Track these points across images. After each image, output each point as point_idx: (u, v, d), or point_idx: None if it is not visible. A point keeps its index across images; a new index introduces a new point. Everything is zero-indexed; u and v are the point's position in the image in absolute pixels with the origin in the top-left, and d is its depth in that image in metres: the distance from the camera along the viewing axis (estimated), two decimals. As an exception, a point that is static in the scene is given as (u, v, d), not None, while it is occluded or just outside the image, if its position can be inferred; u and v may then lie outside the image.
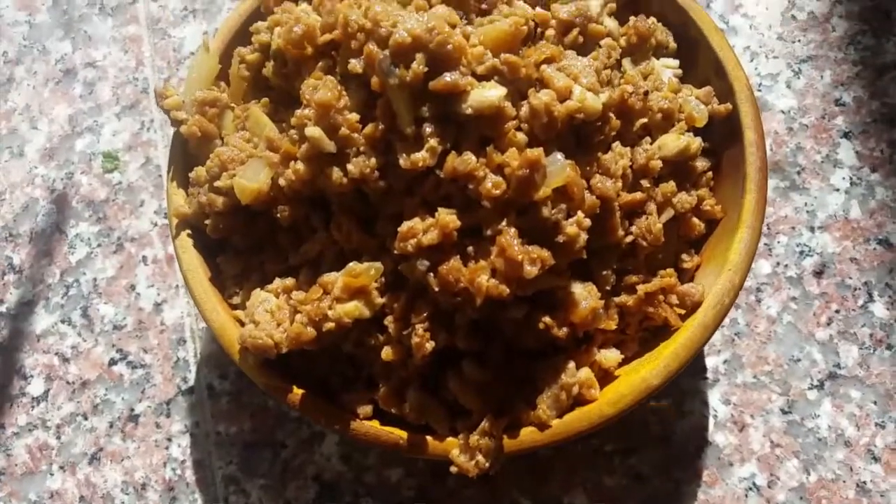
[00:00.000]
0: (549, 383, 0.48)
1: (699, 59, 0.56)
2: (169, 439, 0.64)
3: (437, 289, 0.44)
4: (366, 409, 0.49)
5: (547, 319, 0.46)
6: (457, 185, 0.45)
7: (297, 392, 0.49)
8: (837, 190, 0.65)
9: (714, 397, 0.61)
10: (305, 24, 0.47)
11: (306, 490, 0.61)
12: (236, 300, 0.53)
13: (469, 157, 0.43)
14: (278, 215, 0.49)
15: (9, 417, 0.66)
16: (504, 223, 0.44)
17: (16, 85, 0.76)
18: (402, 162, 0.43)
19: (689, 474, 0.59)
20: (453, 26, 0.44)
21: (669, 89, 0.53)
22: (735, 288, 0.49)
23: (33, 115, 0.75)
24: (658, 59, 0.56)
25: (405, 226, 0.44)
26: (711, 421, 0.60)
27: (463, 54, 0.43)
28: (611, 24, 0.53)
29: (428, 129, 0.43)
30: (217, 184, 0.50)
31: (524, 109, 0.45)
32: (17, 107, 0.75)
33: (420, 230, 0.44)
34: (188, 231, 0.54)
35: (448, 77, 0.43)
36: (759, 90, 0.68)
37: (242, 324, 0.51)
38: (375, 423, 0.49)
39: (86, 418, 0.65)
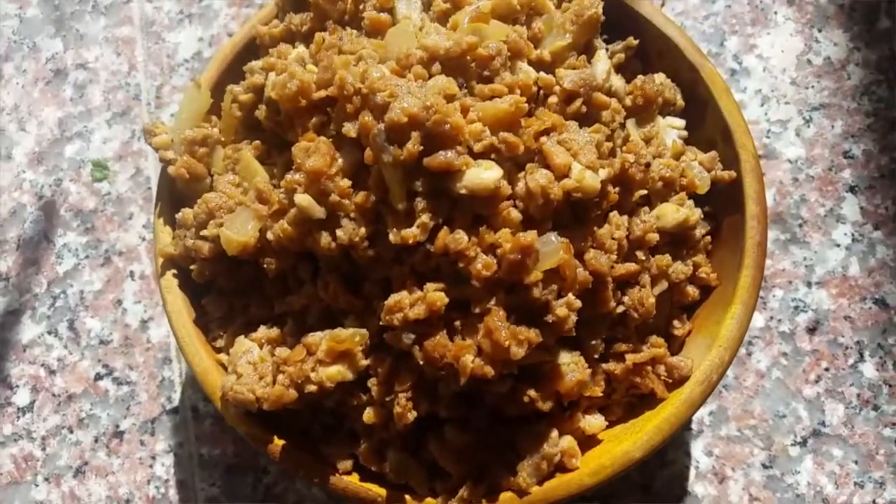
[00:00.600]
0: (530, 451, 0.48)
1: (707, 119, 0.54)
2: (153, 457, 0.64)
3: (421, 362, 0.44)
4: (346, 464, 0.49)
5: (532, 393, 0.46)
6: (447, 260, 0.44)
7: (278, 443, 0.49)
8: (838, 245, 0.64)
9: (697, 448, 0.61)
10: (300, 81, 0.45)
11: (287, 518, 0.62)
12: (220, 343, 0.53)
13: (461, 237, 0.42)
14: (265, 266, 0.49)
15: (-7, 427, 0.66)
16: (493, 302, 0.43)
17: (4, 82, 0.74)
18: (391, 237, 0.42)
19: (666, 525, 0.60)
20: (451, 98, 0.43)
21: (672, 153, 0.52)
22: (724, 364, 0.49)
23: (22, 117, 0.73)
24: (664, 116, 0.54)
25: (392, 299, 0.43)
26: (693, 471, 0.61)
27: (460, 132, 0.41)
28: (617, 83, 0.52)
29: (420, 204, 0.42)
30: (203, 232, 0.49)
31: (520, 185, 0.44)
32: (6, 106, 0.73)
33: (407, 304, 0.43)
34: (174, 270, 0.53)
35: (443, 156, 0.41)
36: (768, 137, 0.66)
37: (226, 368, 0.51)
38: (354, 479, 0.49)
39: (71, 431, 0.65)
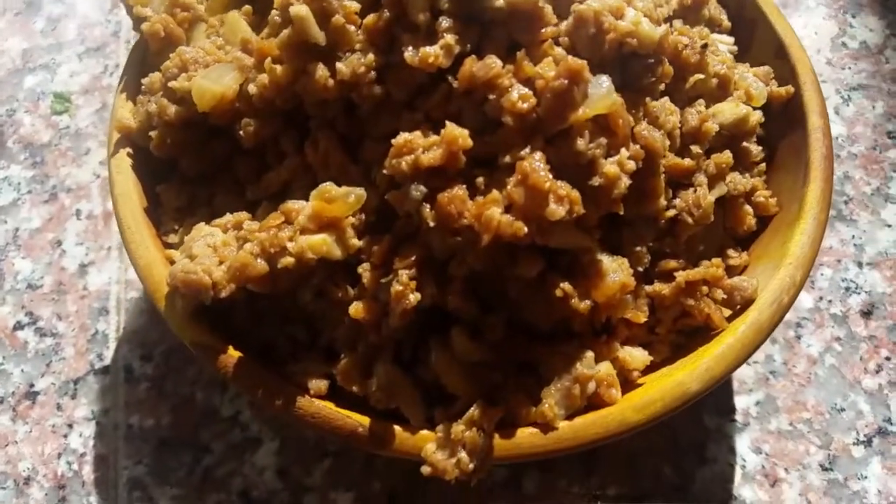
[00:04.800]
0: (559, 373, 0.37)
1: (755, 42, 0.49)
2: (70, 426, 0.51)
3: (432, 223, 0.34)
4: (319, 385, 0.38)
5: (566, 286, 0.36)
6: (472, 100, 0.35)
7: (232, 354, 0.38)
8: (889, 226, 0.57)
9: (743, 444, 0.50)
10: None
11: (228, 507, 0.48)
12: (173, 238, 0.42)
13: (493, 61, 0.34)
14: (241, 132, 0.40)
15: None
16: (528, 150, 0.34)
17: (-30, 12, 0.67)
18: (408, 56, 0.34)
19: (707, 536, 0.48)
20: None
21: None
22: (796, 286, 0.40)
23: (-18, 45, 0.65)
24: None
25: (401, 138, 0.35)
26: (738, 472, 0.49)
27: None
28: (662, -22, 0.46)
29: (445, 23, 0.35)
30: (172, 84, 0.40)
31: (567, 23, 0.36)
32: (-34, 34, 0.66)
33: (420, 146, 0.34)
34: (129, 150, 0.44)
35: (479, -43, 0.34)
36: (805, 109, 0.61)
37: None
38: (329, 405, 0.38)
39: (-30, 390, 0.52)
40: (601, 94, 0.35)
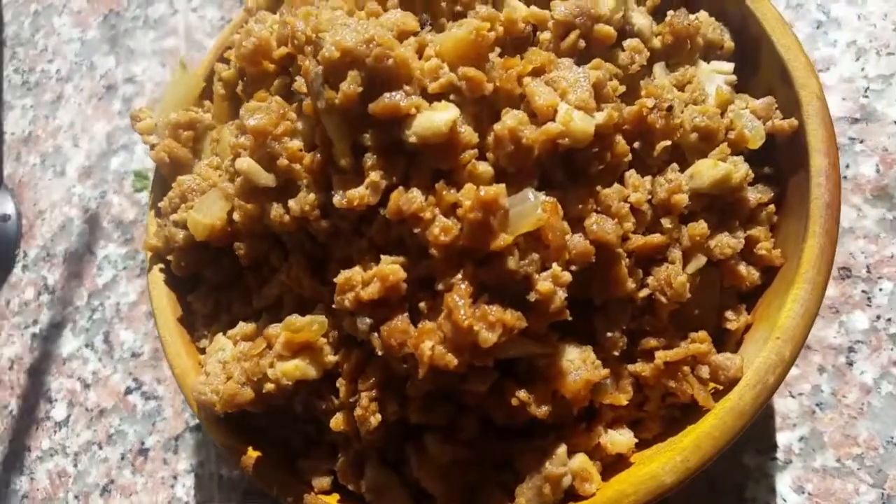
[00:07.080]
0: (532, 471, 0.38)
1: (762, 62, 0.44)
2: (174, 477, 0.60)
3: (380, 352, 0.37)
4: (322, 482, 0.42)
5: (522, 394, 0.37)
6: (408, 228, 0.37)
7: (252, 455, 0.44)
8: (969, 223, 0.50)
9: (784, 483, 0.48)
10: (258, 38, 0.41)
11: (302, 547, 0.55)
12: (205, 343, 0.48)
13: (414, 196, 0.35)
14: (237, 252, 0.44)
15: (34, 440, 0.65)
16: (459, 276, 0.35)
17: (64, 102, 0.76)
18: (335, 200, 0.36)
19: (745, 579, 0.47)
20: (408, 35, 0.36)
21: (717, 101, 0.42)
22: (784, 363, 0.38)
23: (76, 133, 0.74)
24: (709, 61, 0.45)
25: (342, 276, 0.37)
26: (778, 514, 0.48)
27: (410, 70, 0.35)
28: (640, 20, 0.43)
29: (369, 160, 0.36)
30: (173, 217, 0.45)
31: (490, 138, 0.36)
32: (63, 124, 0.75)
33: (359, 282, 0.36)
34: (161, 265, 0.50)
35: (388, 98, 0.35)
36: (866, 96, 0.54)
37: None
38: (332, 499, 0.42)
39: (100, 448, 0.63)
40: (527, 210, 0.34)
